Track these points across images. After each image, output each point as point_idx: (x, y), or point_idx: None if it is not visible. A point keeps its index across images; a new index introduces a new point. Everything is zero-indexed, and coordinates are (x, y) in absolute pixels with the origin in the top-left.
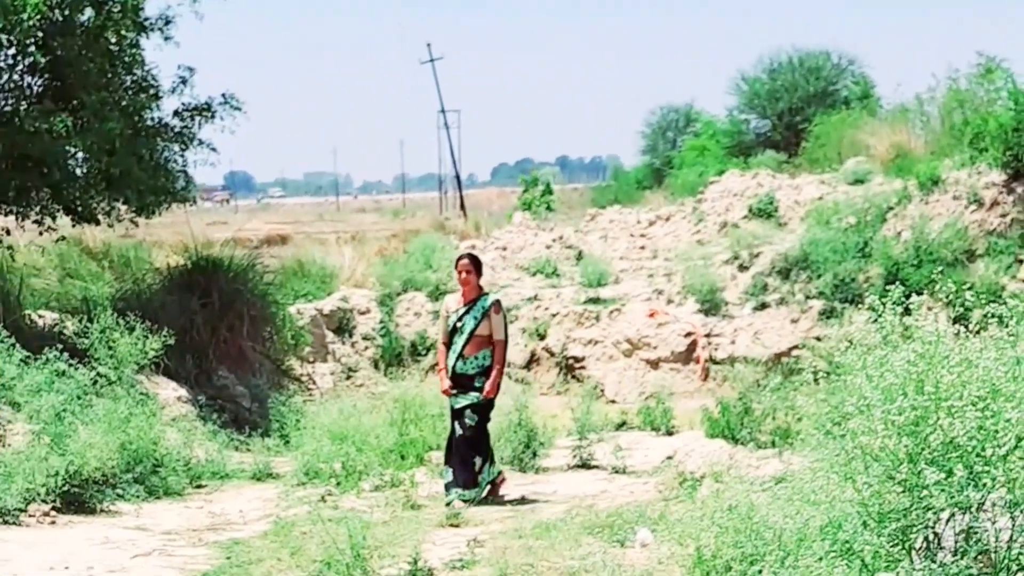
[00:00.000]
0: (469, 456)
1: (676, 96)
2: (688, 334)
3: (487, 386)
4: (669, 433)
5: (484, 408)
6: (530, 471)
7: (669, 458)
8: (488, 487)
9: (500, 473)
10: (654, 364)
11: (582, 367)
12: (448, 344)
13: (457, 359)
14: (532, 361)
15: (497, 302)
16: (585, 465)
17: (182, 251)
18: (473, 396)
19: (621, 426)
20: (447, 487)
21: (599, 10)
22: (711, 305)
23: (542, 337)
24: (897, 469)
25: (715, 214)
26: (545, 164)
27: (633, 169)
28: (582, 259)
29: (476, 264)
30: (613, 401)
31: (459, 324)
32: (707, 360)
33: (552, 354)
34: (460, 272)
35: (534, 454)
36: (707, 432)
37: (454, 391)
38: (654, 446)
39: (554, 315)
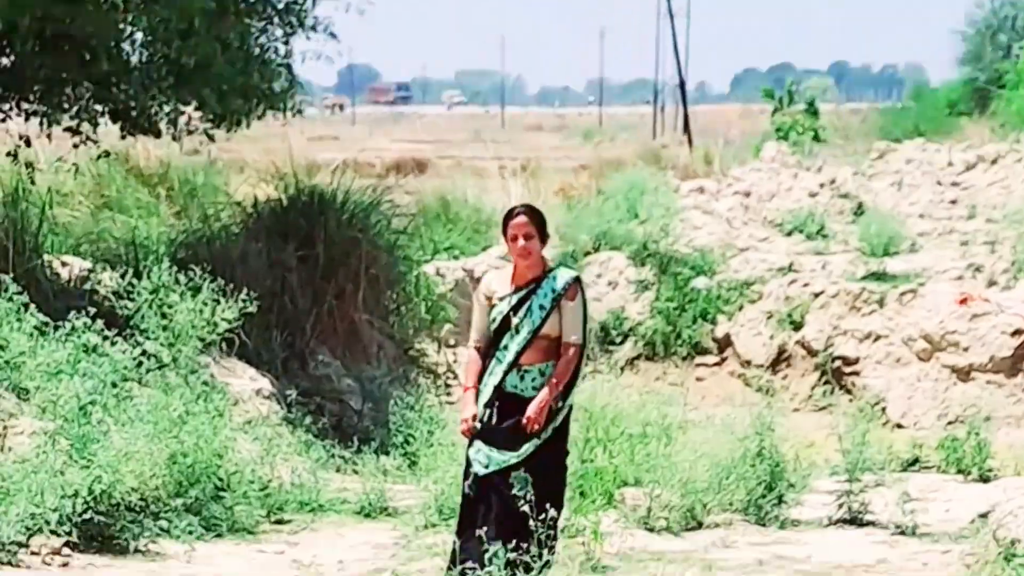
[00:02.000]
0: (524, 532)
1: None
2: (1017, 332)
3: (531, 410)
4: (984, 479)
5: (552, 453)
6: (772, 524)
7: (983, 516)
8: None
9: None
10: (964, 374)
11: (855, 373)
12: (488, 349)
13: (508, 373)
14: (781, 360)
15: (577, 280)
16: (855, 520)
17: (274, 179)
18: (526, 448)
19: (911, 464)
20: (453, 560)
21: None
22: None
23: (797, 327)
24: None
25: None
26: (813, 73)
27: (944, 87)
28: (862, 215)
29: (538, 222)
30: (900, 425)
31: (514, 318)
32: None
33: (811, 352)
34: (513, 235)
35: (779, 500)
36: None
37: (481, 432)
38: (961, 497)
39: (817, 295)
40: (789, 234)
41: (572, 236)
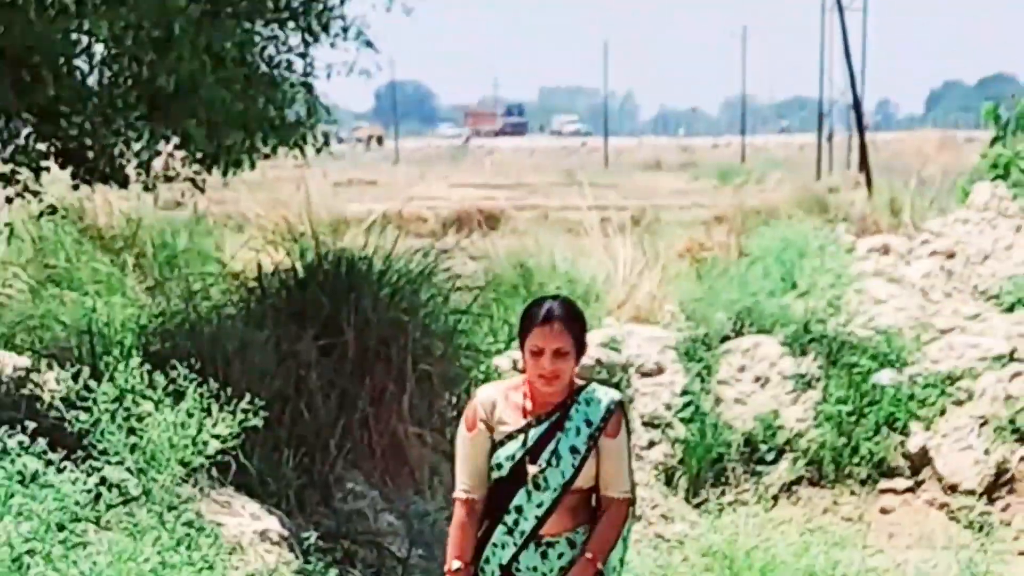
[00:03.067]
0: None
1: None
2: None
3: None
4: None
5: None
6: None
7: None
8: None
9: None
10: None
11: None
12: (488, 507)
13: (523, 549)
14: (1000, 484)
15: (620, 405)
16: None
17: (286, 241)
18: None
19: None
20: None
21: None
22: None
23: (1023, 438)
24: None
25: None
26: None
27: None
28: None
29: (576, 331)
30: None
31: (531, 466)
32: None
33: None
34: (539, 349)
35: None
36: None
37: None
38: None
39: None
40: (1011, 309)
41: (704, 314)
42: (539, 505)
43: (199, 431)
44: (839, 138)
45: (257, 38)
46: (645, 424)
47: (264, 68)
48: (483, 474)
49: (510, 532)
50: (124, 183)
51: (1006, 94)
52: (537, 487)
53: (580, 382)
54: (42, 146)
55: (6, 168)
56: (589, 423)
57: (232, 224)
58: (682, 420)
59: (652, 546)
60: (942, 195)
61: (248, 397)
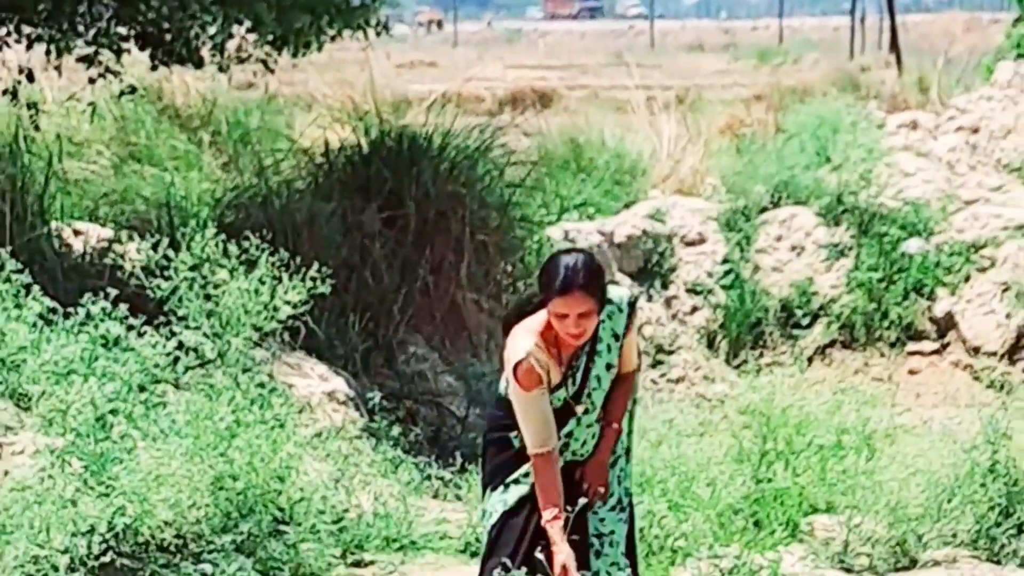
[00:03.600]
0: None
1: None
2: None
3: (590, 471)
4: None
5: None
6: (1010, 561)
7: None
8: None
9: None
10: None
11: None
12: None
13: (594, 448)
14: (1020, 345)
15: (634, 301)
16: None
17: (352, 119)
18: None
19: None
20: None
21: None
22: None
23: None
24: None
25: None
26: None
27: None
28: None
29: (596, 293)
30: None
31: (578, 406)
32: None
33: None
34: (563, 314)
35: (1019, 529)
36: None
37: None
38: None
39: None
40: None
41: (744, 187)
42: (589, 426)
43: (271, 298)
44: (871, 20)
45: None
46: (688, 291)
47: None
48: (546, 420)
49: (560, 453)
50: (199, 64)
51: None
52: (586, 411)
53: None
54: (122, 29)
55: (89, 50)
56: (616, 336)
57: (301, 103)
58: (723, 287)
59: (694, 404)
60: (968, 73)
61: (316, 265)
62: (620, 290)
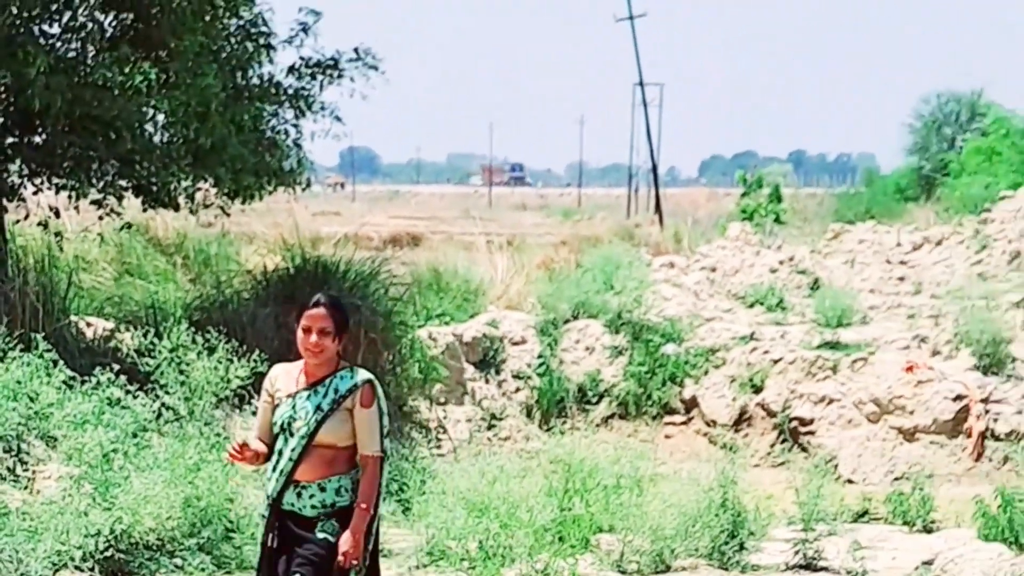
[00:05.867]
0: None
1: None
2: (958, 397)
3: (344, 542)
4: (927, 530)
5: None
6: (735, 569)
7: (927, 564)
8: None
9: None
10: (909, 435)
11: (810, 432)
12: (270, 449)
13: (284, 486)
14: (742, 420)
15: (370, 383)
16: (810, 567)
17: (282, 250)
18: (319, 541)
19: (861, 516)
20: None
21: None
22: (992, 361)
23: (757, 390)
24: None
25: (1004, 240)
26: (773, 160)
27: (893, 174)
28: (818, 289)
29: (339, 319)
30: (851, 481)
31: (291, 417)
32: (983, 434)
33: (770, 413)
34: (307, 327)
35: (741, 546)
36: (981, 532)
37: (264, 556)
38: (906, 546)
39: (776, 362)
40: (751, 306)
41: (553, 305)
42: (291, 450)
43: (225, 373)
44: (643, 191)
45: (265, 114)
46: (514, 376)
47: (269, 134)
48: (266, 428)
49: (275, 469)
50: (176, 208)
51: (751, 165)
52: (291, 435)
53: (345, 364)
54: (123, 182)
55: (99, 196)
56: (337, 391)
57: (246, 238)
58: (538, 374)
59: (518, 455)
60: (709, 230)
61: (257, 352)
62: (366, 372)
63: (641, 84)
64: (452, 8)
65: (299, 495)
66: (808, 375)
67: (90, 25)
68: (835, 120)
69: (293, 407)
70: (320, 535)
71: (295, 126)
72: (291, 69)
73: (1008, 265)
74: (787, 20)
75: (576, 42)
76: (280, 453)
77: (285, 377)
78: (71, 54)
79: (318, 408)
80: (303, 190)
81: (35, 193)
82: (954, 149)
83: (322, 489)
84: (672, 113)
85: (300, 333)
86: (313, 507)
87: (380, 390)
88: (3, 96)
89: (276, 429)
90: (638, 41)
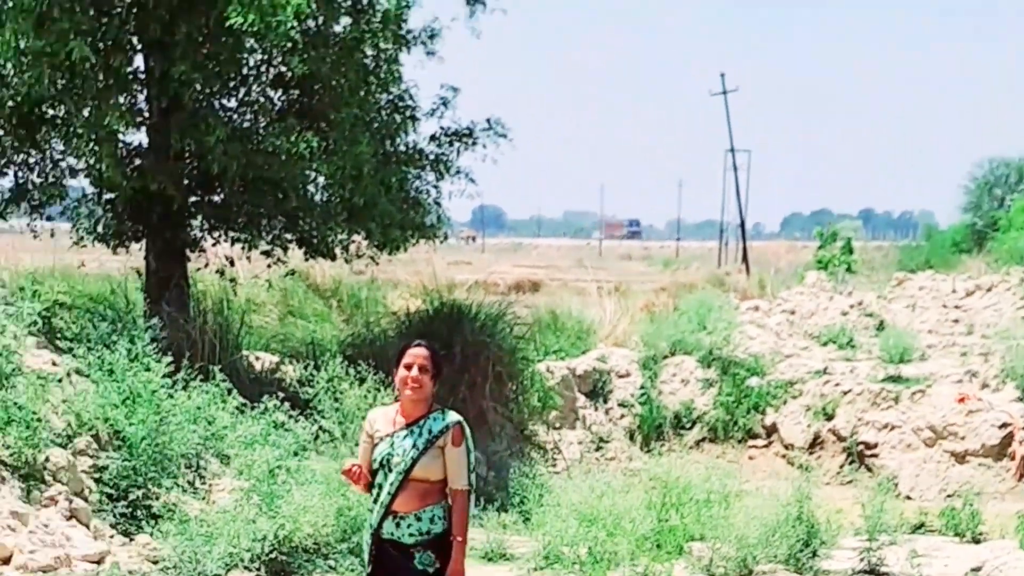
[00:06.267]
0: None
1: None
2: (1004, 425)
3: (450, 572)
4: (976, 541)
5: None
6: (808, 573)
7: (975, 570)
8: None
9: None
10: (960, 458)
11: (874, 455)
12: (369, 486)
13: (384, 516)
14: (816, 444)
15: (460, 424)
16: (873, 572)
17: (421, 294)
18: (419, 571)
19: (918, 528)
20: None
21: (921, 43)
22: None
23: (829, 417)
24: None
25: None
26: (846, 217)
27: (950, 229)
28: (883, 330)
29: (436, 359)
30: (909, 497)
31: (389, 456)
32: None
33: (840, 438)
34: (408, 363)
35: (814, 553)
36: (1023, 543)
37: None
38: (957, 555)
39: (845, 393)
40: (825, 344)
41: (653, 343)
42: (390, 484)
43: (374, 400)
44: (732, 244)
45: (410, 176)
46: (620, 404)
47: (413, 194)
48: (367, 467)
49: (375, 501)
50: (333, 258)
51: (826, 221)
52: (390, 470)
53: (437, 407)
54: (288, 235)
55: (268, 247)
56: (431, 432)
57: (391, 284)
58: (640, 403)
59: (622, 473)
60: (789, 278)
61: None
62: (455, 414)
63: (732, 151)
64: (567, 80)
65: (398, 524)
66: (873, 405)
67: (262, 100)
68: (900, 181)
69: (391, 445)
70: (420, 566)
71: (435, 187)
72: (432, 137)
73: None
74: (857, 93)
75: (675, 113)
76: (380, 487)
77: (383, 419)
78: (245, 124)
79: (413, 446)
80: (441, 242)
81: (214, 245)
82: (1004, 208)
83: (418, 519)
84: (758, 175)
85: (401, 370)
86: (411, 535)
87: (468, 431)
88: (187, 161)
89: (375, 465)
90: (730, 112)
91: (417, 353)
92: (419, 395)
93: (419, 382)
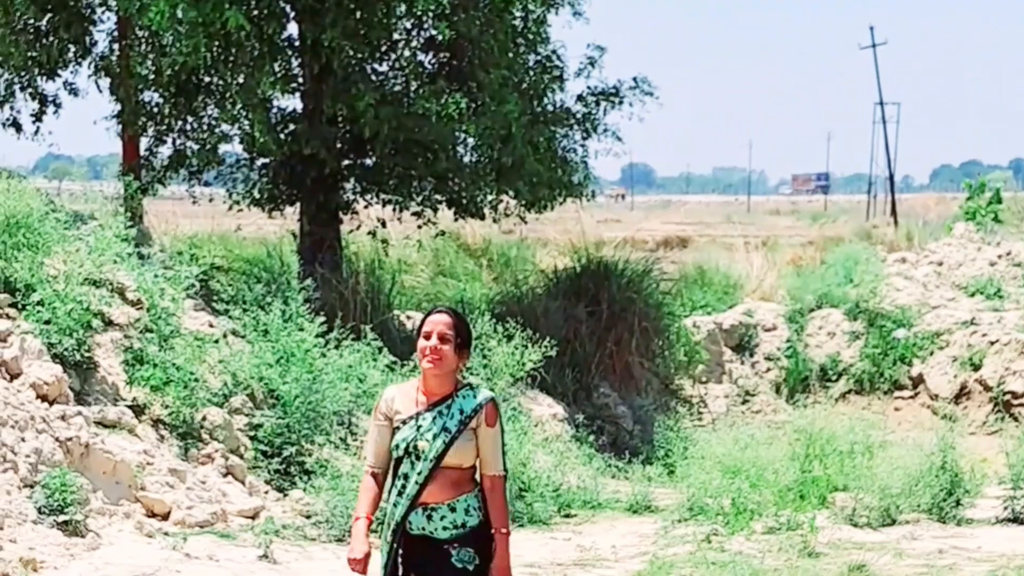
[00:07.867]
0: None
1: None
2: None
3: (497, 571)
4: None
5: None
6: (951, 522)
7: None
8: None
9: None
10: None
11: (1021, 405)
12: (385, 475)
13: (410, 508)
14: (962, 394)
15: (493, 402)
16: (1017, 520)
17: (570, 252)
18: (458, 570)
19: None
20: None
21: None
22: None
23: (976, 368)
24: None
25: None
26: (995, 167)
27: None
28: None
29: (460, 328)
30: None
31: (415, 441)
32: None
33: (987, 388)
34: (428, 332)
35: (957, 502)
36: None
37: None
38: None
39: (992, 343)
40: (972, 295)
41: (799, 296)
42: (419, 473)
43: (521, 357)
44: (880, 197)
45: (557, 135)
46: (766, 358)
47: (561, 153)
48: (383, 455)
49: (400, 494)
50: (483, 217)
51: (975, 172)
52: (418, 458)
53: (464, 382)
54: (438, 196)
55: (419, 208)
56: (463, 412)
57: (540, 242)
58: (786, 356)
59: (767, 426)
60: (937, 230)
61: (547, 339)
62: (486, 390)
63: (881, 103)
64: (713, 35)
65: (429, 517)
66: (1021, 355)
67: (412, 64)
68: None
69: (417, 428)
70: (459, 564)
71: (583, 146)
72: (579, 97)
73: None
74: (1007, 41)
75: (824, 67)
76: (406, 477)
77: (403, 398)
78: (396, 88)
79: (444, 429)
80: (589, 200)
81: (365, 207)
82: None
83: (452, 510)
84: (907, 127)
85: (420, 340)
86: (445, 528)
87: (501, 408)
88: (340, 125)
89: (399, 452)
90: (879, 66)
91: (438, 320)
92: (440, 368)
93: (439, 353)
